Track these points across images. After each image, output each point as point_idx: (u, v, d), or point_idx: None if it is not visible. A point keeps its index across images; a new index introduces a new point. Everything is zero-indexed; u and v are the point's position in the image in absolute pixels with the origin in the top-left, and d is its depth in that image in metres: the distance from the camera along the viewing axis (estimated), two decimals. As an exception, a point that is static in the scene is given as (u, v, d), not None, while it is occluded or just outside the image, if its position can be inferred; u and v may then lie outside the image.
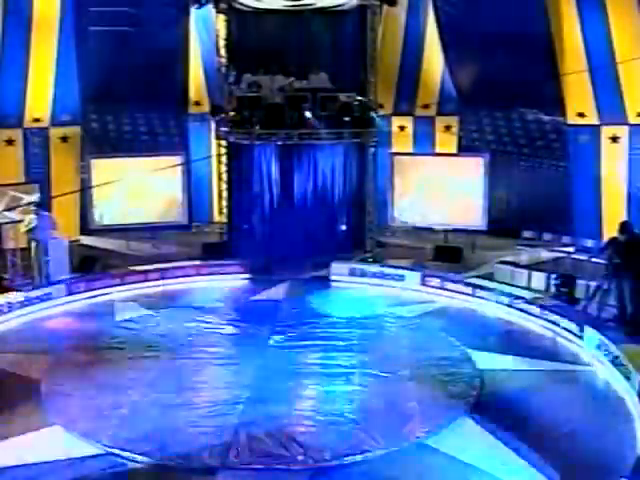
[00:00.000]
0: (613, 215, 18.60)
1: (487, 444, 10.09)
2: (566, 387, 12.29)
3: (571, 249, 18.64)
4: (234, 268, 18.04)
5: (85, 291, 16.50)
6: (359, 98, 18.95)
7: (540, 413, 11.17)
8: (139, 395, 11.45)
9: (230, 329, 14.66)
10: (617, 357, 12.51)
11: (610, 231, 18.50)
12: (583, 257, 17.77)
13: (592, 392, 12.18)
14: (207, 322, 14.91)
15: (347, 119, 18.69)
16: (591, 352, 13.35)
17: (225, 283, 17.69)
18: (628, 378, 11.94)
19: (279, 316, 15.22)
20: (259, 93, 18.67)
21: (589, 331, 13.61)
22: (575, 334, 13.99)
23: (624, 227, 14.58)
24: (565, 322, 14.35)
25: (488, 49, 19.08)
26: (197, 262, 18.29)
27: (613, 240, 14.71)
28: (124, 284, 17.01)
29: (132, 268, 17.55)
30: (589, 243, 18.35)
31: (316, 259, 18.21)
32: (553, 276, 16.25)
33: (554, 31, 18.22)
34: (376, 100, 19.47)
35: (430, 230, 20.23)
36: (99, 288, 16.70)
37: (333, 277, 17.99)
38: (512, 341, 14.24)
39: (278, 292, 16.91)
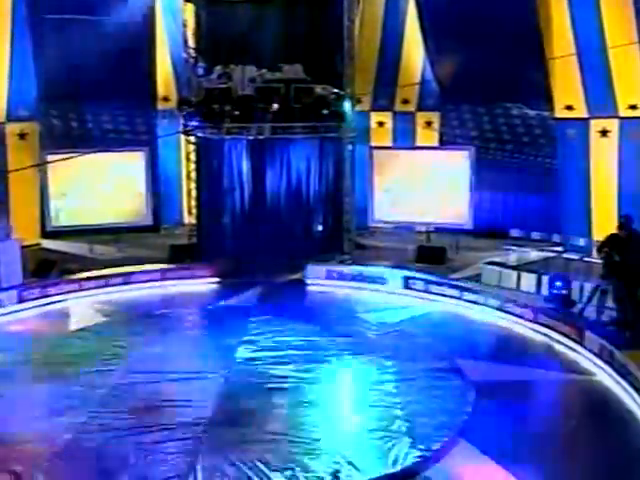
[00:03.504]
0: (603, 213, 17.32)
1: (486, 472, 8.47)
2: (568, 400, 10.79)
3: (561, 248, 17.14)
4: (202, 272, 16.38)
5: (39, 298, 14.72)
6: (335, 91, 17.40)
7: (540, 431, 9.61)
8: (86, 417, 9.69)
9: (197, 338, 12.98)
10: (623, 365, 10.98)
11: (600, 229, 17.19)
12: (575, 256, 16.44)
13: (596, 405, 10.60)
14: (171, 331, 13.19)
15: (323, 112, 17.13)
16: (592, 359, 11.81)
17: (192, 288, 16.00)
18: (638, 389, 10.42)
19: (250, 324, 13.47)
20: (229, 85, 17.11)
21: (589, 336, 12.07)
22: (573, 339, 12.43)
23: (625, 222, 13.08)
24: (562, 327, 12.78)
25: (471, 40, 17.69)
26: (163, 266, 16.56)
27: (612, 237, 13.21)
28: (82, 290, 15.24)
29: (92, 273, 15.78)
30: (581, 242, 16.83)
31: (290, 261, 16.63)
32: (546, 277, 14.72)
33: (541, 21, 16.79)
34: (354, 93, 17.88)
35: (412, 230, 18.61)
36: (54, 294, 14.93)
37: (309, 280, 16.37)
38: (505, 348, 12.67)
39: (249, 297, 15.23)
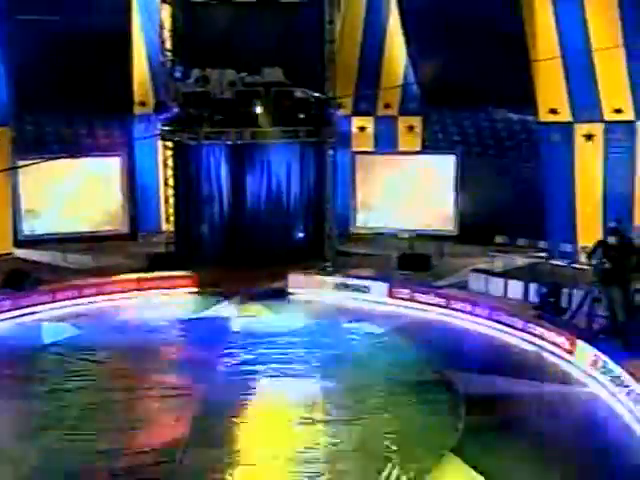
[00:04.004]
0: (588, 218, 16.82)
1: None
2: (562, 413, 10.21)
3: (546, 254, 16.62)
4: (181, 281, 15.66)
5: (10, 310, 13.96)
6: (316, 94, 16.80)
7: (535, 447, 9.04)
8: (55, 439, 8.99)
9: (174, 352, 12.30)
10: (618, 377, 10.46)
11: (585, 235, 16.77)
12: (561, 263, 15.93)
13: (591, 418, 10.08)
14: (147, 345, 12.48)
15: (303, 116, 16.52)
16: (585, 370, 11.28)
17: (171, 298, 15.31)
18: (636, 401, 9.90)
19: (230, 336, 12.84)
20: (207, 89, 16.50)
21: (582, 346, 11.54)
22: (565, 349, 11.90)
23: (616, 229, 12.60)
24: (553, 336, 12.25)
25: (454, 44, 17.22)
26: (140, 275, 15.81)
27: (602, 244, 12.74)
28: (56, 301, 14.47)
29: (65, 283, 15.02)
30: (567, 248, 16.34)
31: (271, 270, 15.97)
32: (534, 285, 14.20)
33: (526, 24, 16.28)
34: (335, 97, 17.28)
35: (394, 236, 18.02)
36: (27, 306, 14.16)
37: (290, 289, 15.70)
38: (495, 359, 12.10)
39: (229, 307, 14.57)
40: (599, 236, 16.25)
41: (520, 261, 16.40)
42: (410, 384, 10.69)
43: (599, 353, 11.09)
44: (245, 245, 16.65)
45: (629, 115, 16.05)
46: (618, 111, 16.15)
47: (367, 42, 18.83)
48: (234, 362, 11.62)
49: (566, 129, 16.96)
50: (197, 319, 14.08)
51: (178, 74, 16.87)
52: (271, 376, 10.99)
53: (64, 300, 14.51)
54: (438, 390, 10.54)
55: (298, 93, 16.76)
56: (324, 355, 11.90)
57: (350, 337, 12.99)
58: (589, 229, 16.74)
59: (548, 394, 10.77)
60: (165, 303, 15.04)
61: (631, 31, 15.08)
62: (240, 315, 14.08)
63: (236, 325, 13.47)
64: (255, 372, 11.16)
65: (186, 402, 10.08)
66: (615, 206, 16.36)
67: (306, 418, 9.61)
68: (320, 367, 11.39)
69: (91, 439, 8.99)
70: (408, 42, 18.45)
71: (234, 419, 9.55)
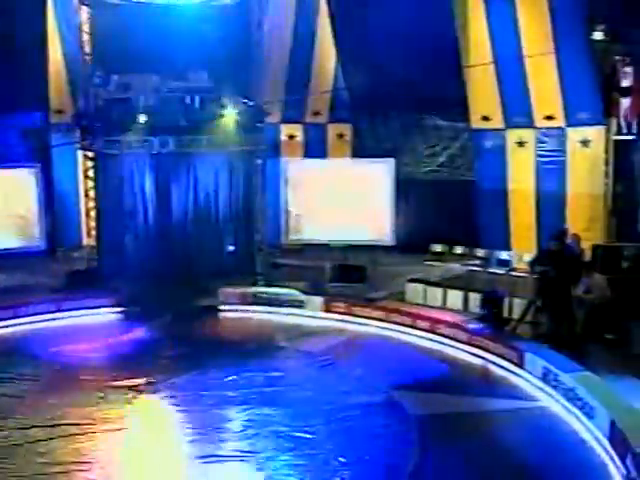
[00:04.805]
0: (522, 225, 16.42)
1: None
2: (515, 430, 9.47)
3: (483, 263, 16.04)
4: (104, 300, 14.40)
5: None
6: (244, 101, 15.83)
7: (492, 468, 8.37)
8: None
9: (97, 381, 10.92)
10: (572, 390, 9.83)
11: (519, 242, 16.41)
12: (499, 271, 15.41)
13: (546, 435, 9.37)
14: (68, 373, 11.16)
15: (231, 124, 15.53)
16: (536, 383, 10.63)
17: (92, 319, 14.02)
18: (590, 416, 9.27)
19: (159, 360, 11.65)
20: (129, 95, 15.41)
21: (531, 358, 10.90)
22: (513, 362, 11.23)
23: (558, 235, 12.10)
24: (499, 348, 11.57)
25: (385, 49, 16.55)
26: (59, 295, 14.46)
27: (546, 252, 12.19)
28: (-36, 326, 13.05)
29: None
30: (504, 255, 15.83)
31: (201, 286, 14.92)
32: (474, 295, 13.56)
33: (458, 29, 15.79)
34: (263, 103, 16.36)
35: (327, 247, 17.14)
36: None
37: (222, 306, 14.61)
38: (441, 375, 11.32)
39: (157, 328, 13.34)
40: (534, 243, 16.02)
41: (458, 269, 15.81)
42: (357, 407, 9.76)
43: (549, 365, 10.46)
44: (172, 260, 15.55)
45: (560, 122, 15.74)
46: (549, 118, 15.84)
47: (296, 47, 18.01)
48: (164, 393, 10.41)
49: (498, 136, 16.57)
50: (122, 342, 12.82)
51: (98, 80, 15.76)
52: (205, 405, 9.87)
53: (-26, 324, 13.14)
54: (387, 412, 9.66)
55: (225, 100, 15.77)
56: (261, 379, 10.86)
57: (287, 357, 11.98)
58: (524, 236, 16.36)
59: (499, 411, 10.05)
60: (87, 325, 13.75)
61: (562, 38, 14.78)
62: (168, 336, 12.88)
63: (165, 348, 12.26)
64: (186, 402, 10.00)
65: (114, 437, 8.89)
66: (548, 212, 16.04)
67: (247, 452, 8.57)
68: (257, 393, 10.33)
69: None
70: (338, 48, 17.70)
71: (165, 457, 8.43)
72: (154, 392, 10.43)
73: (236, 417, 9.60)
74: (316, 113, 18.93)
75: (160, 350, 12.19)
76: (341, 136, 19.14)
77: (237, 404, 9.97)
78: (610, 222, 15.44)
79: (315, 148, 19.12)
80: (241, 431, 9.17)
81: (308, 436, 8.94)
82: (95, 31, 15.97)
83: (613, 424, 8.61)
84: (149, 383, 10.66)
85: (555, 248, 12.04)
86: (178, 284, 14.72)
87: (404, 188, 17.05)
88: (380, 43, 16.53)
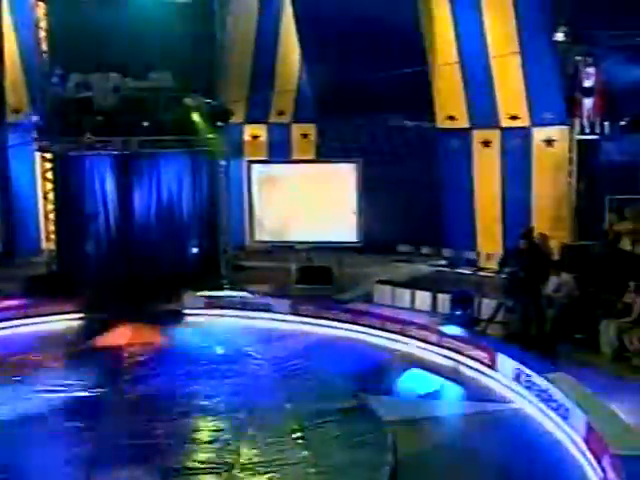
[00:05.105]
0: (488, 225, 16.38)
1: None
2: (488, 432, 9.28)
3: (450, 262, 15.92)
4: (64, 306, 13.89)
5: None
6: (207, 101, 15.45)
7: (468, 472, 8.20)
8: None
9: (56, 391, 10.39)
10: (545, 391, 9.68)
11: (485, 241, 16.32)
12: (466, 271, 15.30)
13: (520, 437, 9.20)
14: (27, 383, 10.56)
15: (194, 125, 15.13)
16: (509, 385, 10.46)
17: (53, 326, 13.50)
18: (565, 417, 9.12)
19: (122, 368, 11.20)
20: (89, 95, 14.85)
21: (503, 359, 10.73)
22: (485, 363, 11.05)
23: (526, 234, 12.03)
24: (470, 349, 11.39)
25: (350, 48, 16.34)
26: (17, 301, 13.93)
27: (514, 251, 12.07)
28: None
29: None
30: (470, 255, 15.71)
31: (165, 290, 14.48)
32: (442, 295, 13.38)
33: (424, 29, 15.65)
34: (227, 103, 16.00)
35: (292, 249, 16.83)
36: None
37: (187, 311, 14.21)
38: (412, 379, 11.04)
39: (121, 334, 12.83)
40: (500, 243, 15.96)
41: (425, 270, 15.65)
42: (329, 413, 9.45)
43: (522, 366, 10.31)
44: (135, 264, 15.05)
45: (525, 122, 15.70)
46: (514, 117, 15.80)
47: (260, 47, 17.66)
48: (128, 399, 9.99)
49: (464, 135, 16.48)
50: (83, 349, 12.33)
51: (56, 79, 15.17)
52: (171, 415, 9.45)
53: None
54: (359, 418, 9.38)
55: (188, 100, 15.36)
56: (228, 386, 10.48)
57: (255, 363, 11.63)
58: (489, 236, 16.30)
59: (472, 413, 9.87)
60: (47, 332, 13.24)
61: (527, 38, 14.73)
62: (133, 342, 12.43)
63: (128, 355, 11.81)
64: (152, 410, 9.59)
65: (59, 454, 8.36)
66: (513, 212, 16.02)
67: (218, 464, 8.21)
68: (225, 401, 9.95)
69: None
70: (303, 47, 17.40)
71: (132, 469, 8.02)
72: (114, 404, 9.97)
73: (203, 427, 9.22)
74: (280, 113, 18.62)
75: (123, 356, 11.71)
76: (305, 136, 18.86)
77: (204, 413, 9.58)
78: (574, 221, 15.45)
79: (279, 148, 18.82)
80: (209, 442, 8.79)
81: (280, 445, 8.60)
82: (52, 28, 15.42)
83: (589, 425, 8.48)
84: (114, 392, 10.20)
85: (523, 247, 11.95)
86: (141, 288, 14.25)
87: (370, 188, 16.82)
88: (345, 43, 16.30)
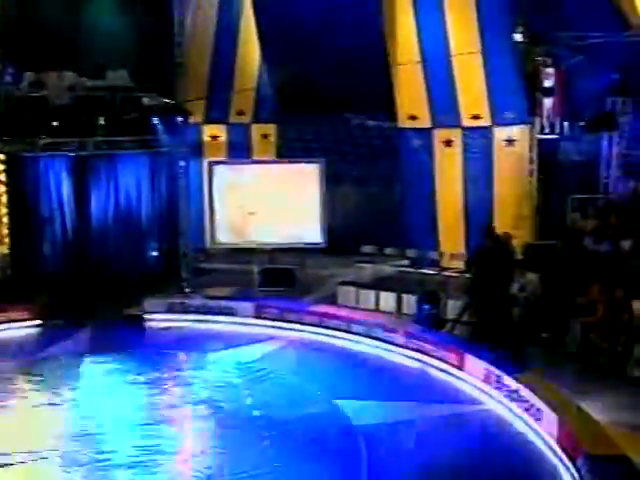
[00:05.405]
0: (450, 224, 16.22)
1: None
2: (459, 435, 9.13)
3: (414, 263, 15.73)
4: (19, 313, 13.36)
5: None
6: (166, 101, 15.07)
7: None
8: None
9: (11, 404, 9.93)
10: (515, 391, 9.57)
11: (447, 241, 16.18)
12: (431, 271, 15.12)
13: (492, 439, 9.07)
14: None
15: (153, 125, 14.76)
16: (478, 386, 10.32)
17: (7, 334, 12.97)
18: (537, 418, 9.01)
19: (80, 378, 10.73)
20: (44, 94, 14.40)
21: (472, 360, 10.59)
22: (453, 365, 10.91)
23: (490, 232, 11.95)
24: (438, 351, 11.23)
25: (310, 47, 16.01)
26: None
27: (479, 252, 11.96)
28: None
29: None
30: (434, 255, 15.56)
31: (124, 294, 14.07)
32: (407, 296, 13.21)
33: (386, 28, 15.45)
34: (185, 103, 15.61)
35: (254, 251, 16.47)
36: None
37: (148, 316, 13.80)
38: (381, 382, 10.86)
39: (79, 342, 12.41)
40: (462, 242, 15.87)
41: (388, 270, 15.45)
42: (299, 420, 9.18)
43: (491, 367, 10.19)
44: (92, 268, 14.64)
45: (487, 121, 15.62)
46: (476, 117, 15.70)
47: (219, 45, 17.27)
48: (87, 413, 9.55)
49: (426, 135, 16.33)
50: (39, 358, 11.81)
51: (9, 77, 14.66)
52: (140, 425, 9.08)
53: None
54: (330, 424, 9.13)
55: (146, 99, 14.96)
56: (193, 394, 10.13)
57: (221, 369, 11.29)
58: (452, 236, 16.18)
59: (442, 416, 9.68)
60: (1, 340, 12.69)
61: (489, 38, 14.66)
62: (93, 350, 11.94)
63: (87, 363, 11.34)
64: (117, 425, 9.19)
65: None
66: (476, 211, 15.91)
67: (187, 476, 7.87)
68: (191, 408, 9.61)
69: None
70: (263, 46, 17.07)
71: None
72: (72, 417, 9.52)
73: (170, 436, 8.87)
74: (240, 113, 18.23)
75: (82, 366, 11.25)
76: (266, 136, 18.51)
77: (169, 422, 9.22)
78: (536, 220, 15.45)
79: (239, 149, 18.41)
80: (170, 453, 8.43)
81: (250, 455, 8.29)
82: (5, 25, 14.85)
83: (561, 425, 8.38)
84: (73, 406, 9.76)
85: (488, 247, 11.85)
86: (100, 293, 13.79)
87: (332, 189, 16.60)
88: (306, 42, 16.00)
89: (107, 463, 8.13)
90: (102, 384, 10.53)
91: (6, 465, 7.99)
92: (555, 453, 8.38)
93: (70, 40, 14.42)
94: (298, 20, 15.79)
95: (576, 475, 7.71)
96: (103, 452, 8.37)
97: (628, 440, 7.94)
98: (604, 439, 7.88)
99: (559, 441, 8.38)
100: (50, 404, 9.79)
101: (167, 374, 10.96)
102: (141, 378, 10.73)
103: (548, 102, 15.73)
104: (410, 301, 13.32)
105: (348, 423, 9.15)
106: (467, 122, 15.83)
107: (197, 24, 16.75)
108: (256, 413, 9.41)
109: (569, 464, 7.96)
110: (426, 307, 12.52)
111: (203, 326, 13.61)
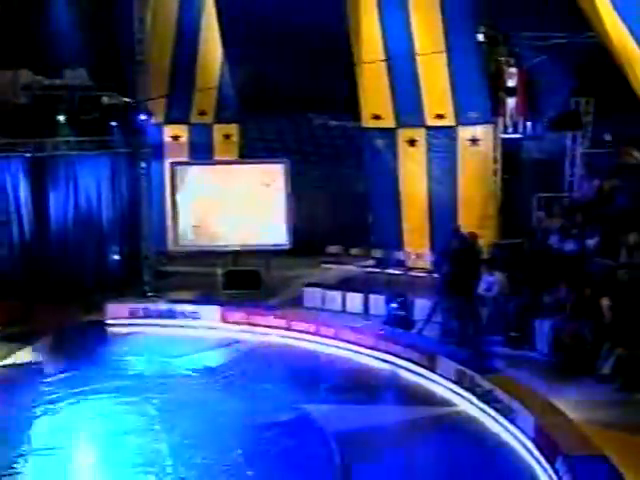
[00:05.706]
0: (414, 224, 16.12)
1: None
2: (433, 437, 8.97)
3: (379, 263, 15.57)
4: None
5: None
6: (125, 100, 14.65)
7: None
8: None
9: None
10: (490, 392, 9.41)
11: (412, 241, 16.06)
12: (397, 271, 15.00)
13: (467, 440, 8.89)
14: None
15: (113, 125, 14.35)
16: (450, 387, 10.15)
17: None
18: (511, 418, 8.86)
19: (40, 388, 10.25)
20: (-1, 94, 13.83)
21: (443, 361, 10.41)
22: (425, 366, 10.71)
23: (457, 232, 11.86)
24: (409, 352, 11.03)
25: (273, 46, 15.79)
26: None
27: (448, 252, 11.81)
28: None
29: None
30: (400, 255, 15.42)
31: (85, 299, 13.67)
32: (374, 297, 13.01)
33: (351, 27, 15.27)
34: (146, 102, 15.19)
35: (218, 253, 16.08)
36: None
37: (109, 321, 13.35)
38: (352, 385, 10.63)
39: (36, 351, 11.85)
40: (427, 242, 15.76)
41: (354, 271, 15.25)
42: (269, 427, 8.88)
43: (462, 367, 10.02)
44: (51, 273, 14.25)
45: (451, 120, 15.53)
46: (440, 116, 15.59)
47: (180, 44, 16.88)
48: (44, 425, 9.11)
49: (389, 134, 16.17)
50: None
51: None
52: (97, 444, 8.68)
53: None
54: (302, 431, 8.85)
55: (105, 99, 14.53)
56: (159, 403, 9.73)
57: (186, 375, 10.92)
58: (416, 235, 16.06)
59: (415, 419, 9.49)
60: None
61: (453, 37, 14.57)
62: (53, 358, 11.45)
63: (46, 374, 10.86)
64: (82, 437, 8.79)
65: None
66: (441, 211, 15.81)
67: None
68: (158, 420, 9.21)
69: None
70: (225, 45, 16.75)
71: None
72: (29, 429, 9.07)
73: (134, 449, 8.49)
74: (202, 113, 17.86)
75: (43, 374, 10.78)
76: (228, 137, 18.18)
77: (133, 434, 8.84)
78: (501, 219, 15.40)
79: (201, 149, 18.05)
80: (142, 465, 8.06)
81: (220, 465, 7.95)
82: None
83: (538, 425, 8.24)
84: (35, 417, 9.31)
85: (455, 246, 11.72)
86: (59, 299, 13.31)
87: (296, 189, 16.31)
88: (268, 41, 15.76)
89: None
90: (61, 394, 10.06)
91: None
92: (532, 454, 8.23)
93: (26, 38, 13.90)
94: (260, 19, 15.52)
95: (554, 477, 7.57)
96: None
97: (601, 438, 7.85)
98: (582, 439, 7.75)
99: (536, 442, 8.23)
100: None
101: (129, 382, 10.53)
102: (103, 387, 10.29)
103: (511, 102, 15.75)
104: (377, 302, 13.14)
105: (320, 430, 8.85)
106: (431, 121, 15.72)
107: (158, 22, 16.36)
108: (225, 423, 9.03)
109: (547, 465, 7.83)
110: (394, 308, 12.31)
111: (166, 331, 13.20)
